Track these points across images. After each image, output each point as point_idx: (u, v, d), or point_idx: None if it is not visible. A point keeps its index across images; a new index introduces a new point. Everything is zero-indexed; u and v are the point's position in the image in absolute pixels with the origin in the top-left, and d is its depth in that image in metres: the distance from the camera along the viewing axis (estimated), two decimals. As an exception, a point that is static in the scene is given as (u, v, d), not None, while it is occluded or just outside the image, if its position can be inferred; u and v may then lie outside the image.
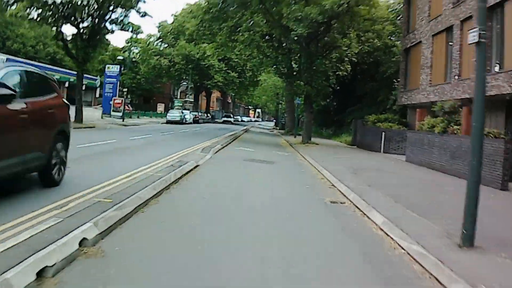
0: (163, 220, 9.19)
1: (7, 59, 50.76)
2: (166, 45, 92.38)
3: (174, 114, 66.46)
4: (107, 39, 43.61)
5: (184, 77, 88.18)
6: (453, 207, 11.25)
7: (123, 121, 55.91)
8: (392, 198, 12.96)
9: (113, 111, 65.00)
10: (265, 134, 59.67)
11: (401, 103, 40.52)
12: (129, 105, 77.49)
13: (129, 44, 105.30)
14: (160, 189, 11.74)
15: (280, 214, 10.84)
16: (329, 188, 16.04)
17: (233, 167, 19.86)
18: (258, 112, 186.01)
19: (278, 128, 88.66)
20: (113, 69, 68.48)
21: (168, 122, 64.98)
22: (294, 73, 41.13)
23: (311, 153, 29.52)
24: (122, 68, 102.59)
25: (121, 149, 22.70)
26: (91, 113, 59.05)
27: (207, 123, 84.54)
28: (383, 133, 36.10)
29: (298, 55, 41.41)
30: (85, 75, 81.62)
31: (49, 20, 39.34)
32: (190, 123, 71.88)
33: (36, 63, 64.43)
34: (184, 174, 15.40)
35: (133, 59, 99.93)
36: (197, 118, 76.60)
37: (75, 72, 72.99)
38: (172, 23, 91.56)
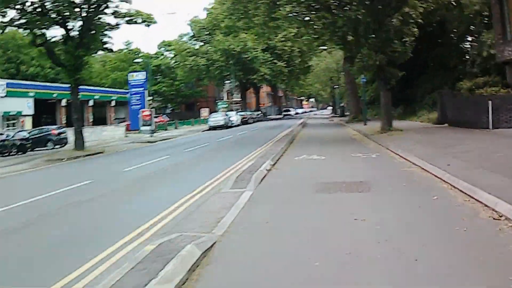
0: None
1: (7, 84, 41.91)
2: (201, 44, 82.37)
3: (216, 118, 56.39)
4: (107, 35, 33.33)
5: (226, 75, 77.69)
6: None
7: (152, 136, 46.04)
8: None
9: (142, 125, 55.46)
10: (326, 126, 48.79)
11: (503, 59, 29.03)
12: (163, 116, 67.67)
13: (161, 49, 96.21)
14: None
15: None
16: None
17: (297, 220, 9.25)
18: (312, 102, 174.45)
19: (338, 115, 77.19)
20: (137, 76, 58.81)
21: (211, 128, 55.11)
22: (362, 39, 29.57)
23: (409, 148, 18.96)
24: (154, 75, 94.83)
25: (65, 211, 12.92)
26: (111, 133, 49.64)
27: (259, 121, 74.15)
28: (490, 102, 25.41)
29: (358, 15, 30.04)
30: (113, 89, 73.84)
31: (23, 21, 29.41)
32: (238, 125, 61.74)
33: (51, 84, 59.27)
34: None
35: (168, 65, 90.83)
36: (246, 118, 66.17)
37: (98, 88, 65.49)
38: (206, 18, 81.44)
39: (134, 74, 58.71)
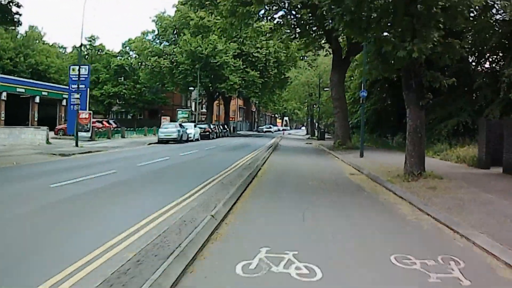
0: None
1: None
2: (167, 44, 69.83)
3: (167, 130, 43.79)
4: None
5: (191, 81, 65.17)
6: None
7: (83, 144, 33.49)
8: None
9: (78, 130, 42.82)
10: (304, 152, 36.36)
11: None
12: (110, 122, 54.81)
13: (126, 47, 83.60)
14: None
15: None
16: None
17: None
18: (286, 121, 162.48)
19: (315, 137, 64.76)
20: (80, 71, 45.70)
21: (160, 141, 42.43)
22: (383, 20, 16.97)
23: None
24: (116, 76, 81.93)
25: None
26: (31, 136, 36.91)
27: (223, 137, 61.80)
28: None
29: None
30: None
31: None
32: (196, 139, 49.31)
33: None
34: None
35: (131, 65, 78.14)
36: (207, 133, 53.48)
37: (52, 85, 55.32)
38: (174, 15, 69.12)
39: (76, 67, 45.66)
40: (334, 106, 37.29)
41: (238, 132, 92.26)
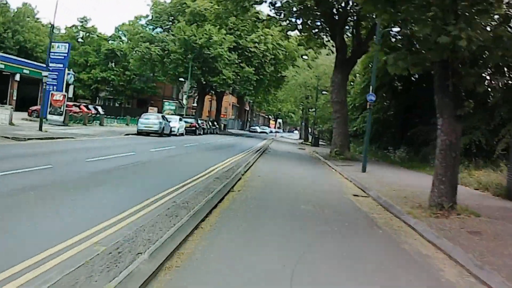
0: None
1: None
2: (160, 30, 65.25)
3: (148, 121, 39.22)
4: None
5: (181, 71, 60.61)
6: None
7: (52, 128, 28.95)
8: None
9: (49, 113, 38.32)
10: (296, 159, 31.92)
11: None
12: (90, 107, 50.18)
13: (119, 32, 78.98)
14: None
15: None
16: None
17: None
18: (279, 123, 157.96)
19: (309, 143, 60.25)
20: (58, 48, 41.32)
21: (140, 133, 38.05)
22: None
23: None
24: (105, 60, 77.43)
25: None
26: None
27: (212, 134, 57.34)
28: None
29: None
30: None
31: None
32: (181, 134, 45.02)
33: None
34: None
35: (123, 50, 73.58)
36: (193, 128, 49.02)
37: (34, 63, 51.29)
38: (170, 1, 64.56)
39: (55, 45, 41.15)
40: (334, 110, 32.87)
41: (229, 130, 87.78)
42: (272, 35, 61.09)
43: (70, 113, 41.83)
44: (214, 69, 60.17)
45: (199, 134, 50.86)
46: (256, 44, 60.58)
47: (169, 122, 42.12)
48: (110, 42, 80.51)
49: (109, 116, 51.50)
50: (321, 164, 28.51)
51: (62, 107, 38.76)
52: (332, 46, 35.17)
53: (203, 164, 19.22)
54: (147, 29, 65.88)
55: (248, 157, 25.54)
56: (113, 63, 77.59)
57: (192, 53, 58.85)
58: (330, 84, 35.02)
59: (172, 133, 42.34)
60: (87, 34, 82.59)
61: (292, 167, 24.28)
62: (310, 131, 74.07)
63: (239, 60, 60.71)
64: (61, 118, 38.36)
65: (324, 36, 36.30)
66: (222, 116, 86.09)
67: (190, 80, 61.32)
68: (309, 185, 17.04)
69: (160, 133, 38.61)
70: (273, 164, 24.36)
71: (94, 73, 75.91)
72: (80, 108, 45.82)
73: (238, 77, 61.17)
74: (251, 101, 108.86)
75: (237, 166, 19.23)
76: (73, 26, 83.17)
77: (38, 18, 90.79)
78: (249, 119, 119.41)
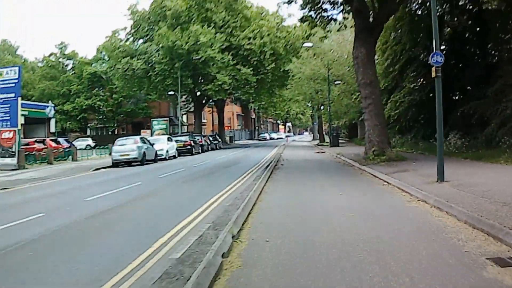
0: None
1: None
2: (141, 42, 56.15)
3: (123, 148, 30.14)
4: None
5: (169, 83, 51.52)
6: None
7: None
8: None
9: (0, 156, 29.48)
10: (322, 170, 21.74)
11: None
12: (60, 141, 40.66)
13: (101, 53, 70.10)
14: None
15: None
16: None
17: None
18: (289, 126, 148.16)
19: (327, 143, 50.51)
20: (7, 74, 32.22)
21: (115, 164, 29.33)
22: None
23: None
24: (90, 86, 68.65)
25: None
26: None
27: (213, 150, 48.11)
28: None
29: None
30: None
31: None
32: (173, 156, 36.14)
33: None
34: None
35: (105, 72, 64.61)
36: (188, 146, 39.74)
37: None
38: (150, 6, 55.49)
39: (3, 70, 32.11)
40: (362, 96, 23.19)
41: (236, 142, 78.51)
42: (266, 27, 51.93)
43: (32, 152, 32.85)
44: (207, 75, 51.06)
45: (197, 152, 41.56)
46: (251, 40, 51.28)
47: (153, 144, 32.90)
48: (93, 65, 71.65)
49: (101, 147, 42.84)
50: (360, 175, 18.90)
51: (14, 147, 29.61)
52: (349, 9, 25.69)
53: (158, 224, 9.91)
54: (127, 42, 56.72)
55: (252, 183, 16.09)
56: (99, 88, 68.82)
57: (179, 61, 49.85)
58: (353, 62, 25.46)
59: (159, 157, 33.24)
60: (66, 59, 74.10)
61: (320, 189, 14.83)
62: (325, 129, 64.38)
63: (234, 61, 51.47)
64: (13, 161, 29.26)
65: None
66: (226, 128, 76.87)
67: (181, 92, 52.16)
68: (363, 227, 8.05)
69: (140, 161, 29.50)
70: (290, 191, 14.87)
71: (78, 102, 67.09)
72: (45, 144, 36.51)
73: (236, 80, 51.85)
74: (256, 108, 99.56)
75: (228, 212, 9.97)
76: (51, 54, 74.54)
77: (19, 55, 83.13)
78: (256, 127, 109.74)
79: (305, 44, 45.90)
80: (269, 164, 24.85)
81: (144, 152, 30.30)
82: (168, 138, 37.34)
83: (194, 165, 27.45)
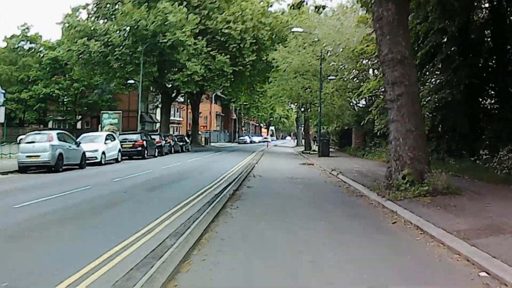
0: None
1: None
2: (104, 21, 45.97)
3: (32, 148, 20.18)
4: None
5: (131, 70, 41.62)
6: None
7: None
8: None
9: None
10: (321, 210, 12.17)
11: None
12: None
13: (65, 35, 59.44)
14: None
15: None
16: None
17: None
18: (272, 130, 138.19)
19: (314, 151, 40.54)
20: None
21: (22, 168, 20.08)
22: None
23: None
24: (51, 73, 58.39)
25: None
26: None
27: (179, 152, 38.42)
28: None
29: None
30: None
31: None
32: (114, 161, 26.41)
33: None
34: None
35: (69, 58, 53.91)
36: (139, 148, 29.85)
37: None
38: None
39: None
40: (387, 82, 13.20)
41: (212, 144, 68.48)
42: (250, 10, 42.14)
43: None
44: (175, 63, 41.13)
45: (152, 156, 31.69)
46: (231, 24, 41.35)
47: (78, 144, 23.00)
48: (57, 50, 61.11)
49: None
50: (394, 228, 9.06)
51: None
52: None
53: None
54: (89, 23, 46.41)
55: (152, 257, 6.35)
56: (60, 76, 58.38)
57: (143, 44, 39.94)
58: (372, 28, 15.45)
59: (91, 161, 23.46)
60: (29, 42, 63.68)
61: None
62: (311, 134, 54.28)
63: (209, 48, 41.56)
64: None
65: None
66: (201, 128, 66.87)
67: (145, 82, 42.30)
68: None
69: (54, 166, 19.77)
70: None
71: (35, 89, 56.62)
72: None
73: (209, 71, 41.82)
74: (238, 108, 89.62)
75: None
76: (13, 36, 63.89)
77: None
78: (237, 129, 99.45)
79: (294, 29, 36.24)
80: (230, 184, 15.08)
81: (61, 154, 20.41)
82: (108, 136, 27.21)
83: (116, 179, 17.42)
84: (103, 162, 24.68)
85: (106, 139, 26.23)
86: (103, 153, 25.00)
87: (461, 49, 21.07)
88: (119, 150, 27.53)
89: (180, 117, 77.46)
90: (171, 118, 73.46)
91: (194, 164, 26.04)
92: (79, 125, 62.60)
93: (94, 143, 24.99)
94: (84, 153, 22.90)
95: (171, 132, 63.21)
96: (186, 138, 46.30)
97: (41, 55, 60.61)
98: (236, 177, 17.13)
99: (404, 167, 12.45)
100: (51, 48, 60.88)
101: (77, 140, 24.57)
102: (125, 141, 30.01)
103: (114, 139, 27.69)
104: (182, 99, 64.79)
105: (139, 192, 13.86)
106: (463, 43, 20.75)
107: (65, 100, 58.66)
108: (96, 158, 24.24)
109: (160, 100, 56.03)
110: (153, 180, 17.22)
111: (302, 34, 36.18)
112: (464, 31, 20.54)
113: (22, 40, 63.95)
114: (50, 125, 64.24)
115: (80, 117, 62.29)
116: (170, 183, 16.17)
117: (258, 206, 11.28)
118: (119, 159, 27.29)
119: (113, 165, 25.34)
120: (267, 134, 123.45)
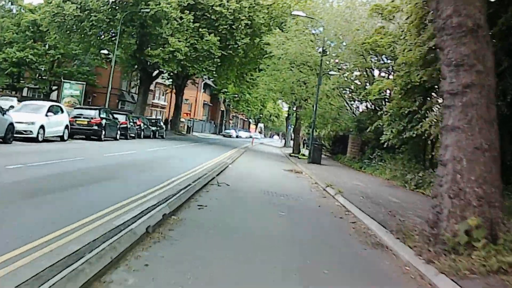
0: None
1: None
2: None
3: None
4: None
5: (106, 39, 35.83)
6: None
7: None
8: None
9: None
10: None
11: None
12: None
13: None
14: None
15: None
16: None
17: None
18: (261, 127, 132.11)
19: (303, 155, 34.74)
20: None
21: None
22: None
23: None
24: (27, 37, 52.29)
25: None
26: None
27: (150, 138, 32.87)
28: None
29: None
30: None
31: None
32: (54, 138, 20.65)
33: None
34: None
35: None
36: (94, 127, 24.09)
37: None
38: None
39: None
40: (447, 63, 7.69)
41: (194, 133, 62.67)
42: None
43: None
44: (157, 36, 35.29)
45: (112, 138, 25.99)
46: (224, 1, 35.56)
47: (4, 113, 17.25)
48: (37, 13, 54.96)
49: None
50: None
51: None
52: None
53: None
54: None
55: None
56: (37, 41, 52.26)
57: (123, 12, 34.13)
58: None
59: (23, 135, 17.86)
60: (10, 3, 57.49)
61: None
62: (302, 136, 48.37)
63: (197, 25, 35.73)
64: None
65: None
66: (184, 115, 60.96)
67: (121, 56, 36.49)
68: None
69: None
70: None
71: (8, 52, 50.46)
72: None
73: (195, 50, 35.93)
74: (228, 100, 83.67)
75: None
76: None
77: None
78: (224, 122, 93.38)
79: (295, 12, 30.61)
80: (167, 199, 9.10)
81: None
82: (53, 107, 21.31)
83: (10, 166, 11.58)
84: (40, 139, 18.87)
85: (49, 110, 20.37)
86: (42, 127, 19.15)
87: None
88: (67, 126, 21.75)
89: (165, 101, 71.39)
90: (155, 101, 67.62)
91: (150, 156, 20.15)
92: (54, 96, 56.42)
93: (32, 114, 19.17)
94: (11, 124, 17.13)
95: (153, 116, 57.47)
96: (161, 123, 40.38)
97: (21, 17, 54.57)
98: (189, 184, 11.36)
99: (467, 212, 6.84)
100: (32, 11, 54.77)
101: (16, 108, 18.91)
102: (79, 117, 24.22)
103: (62, 111, 21.82)
104: (169, 82, 59.14)
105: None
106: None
107: (39, 67, 52.60)
108: (31, 132, 18.46)
109: (130, 75, 49.91)
110: (57, 176, 11.04)
111: (304, 19, 30.52)
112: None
113: (3, 1, 57.84)
114: (24, 92, 58.24)
115: (56, 88, 56.05)
116: (71, 187, 9.73)
117: (187, 269, 5.46)
118: (65, 137, 21.56)
119: (52, 143, 19.53)
120: (255, 131, 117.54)
